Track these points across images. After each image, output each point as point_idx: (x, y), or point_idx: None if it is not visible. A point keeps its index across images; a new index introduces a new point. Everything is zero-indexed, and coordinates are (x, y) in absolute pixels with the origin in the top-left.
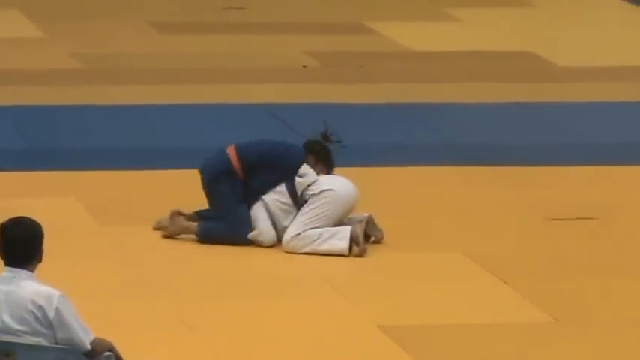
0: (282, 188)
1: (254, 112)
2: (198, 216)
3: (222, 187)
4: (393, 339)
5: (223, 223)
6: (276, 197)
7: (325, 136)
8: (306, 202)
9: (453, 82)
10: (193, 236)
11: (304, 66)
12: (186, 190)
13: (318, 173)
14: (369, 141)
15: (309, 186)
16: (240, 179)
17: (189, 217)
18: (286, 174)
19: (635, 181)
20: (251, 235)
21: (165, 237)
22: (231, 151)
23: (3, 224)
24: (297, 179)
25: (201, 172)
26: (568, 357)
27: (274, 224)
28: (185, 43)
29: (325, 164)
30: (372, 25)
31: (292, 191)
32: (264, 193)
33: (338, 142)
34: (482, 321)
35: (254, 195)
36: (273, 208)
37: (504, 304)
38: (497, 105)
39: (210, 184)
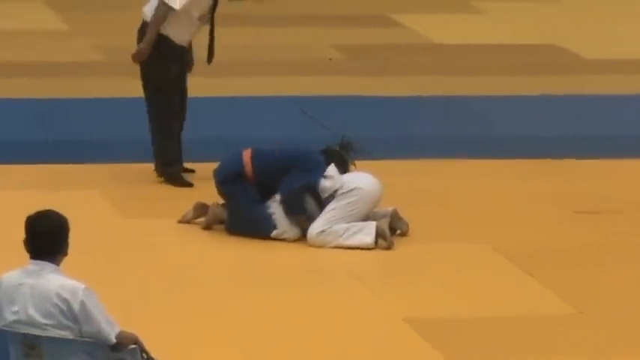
0: None
1: (279, 105)
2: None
3: (234, 190)
4: (419, 332)
5: (245, 221)
6: None
7: (343, 147)
8: (332, 197)
9: (478, 75)
10: (221, 227)
11: (330, 59)
12: (210, 182)
13: None
14: (394, 134)
15: (336, 190)
16: (251, 183)
17: (215, 207)
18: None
19: None
20: (275, 233)
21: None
22: (246, 156)
23: (28, 217)
24: (323, 181)
25: (214, 174)
26: (592, 349)
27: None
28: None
29: (342, 173)
30: (398, 17)
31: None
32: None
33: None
34: (508, 314)
35: (268, 195)
36: None
37: (529, 296)
38: (522, 97)
39: (220, 186)
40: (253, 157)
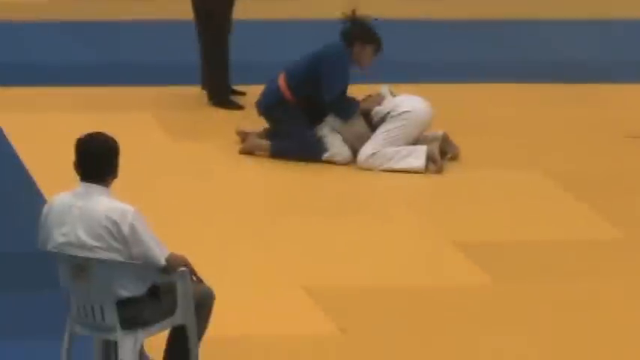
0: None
1: (327, 28)
2: (268, 134)
3: (279, 115)
4: (468, 255)
5: (295, 145)
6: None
7: (354, 17)
8: (383, 119)
9: None
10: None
11: None
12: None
13: (370, 55)
14: (446, 57)
15: (387, 113)
16: (295, 106)
17: (259, 134)
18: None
19: None
20: (326, 156)
21: (241, 153)
22: (281, 81)
23: (78, 139)
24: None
25: (256, 106)
26: (637, 273)
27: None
28: None
29: (372, 41)
30: None
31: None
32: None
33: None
34: (555, 237)
35: (316, 119)
36: (338, 126)
37: (578, 221)
38: (576, 21)
39: (265, 116)
40: (287, 79)
